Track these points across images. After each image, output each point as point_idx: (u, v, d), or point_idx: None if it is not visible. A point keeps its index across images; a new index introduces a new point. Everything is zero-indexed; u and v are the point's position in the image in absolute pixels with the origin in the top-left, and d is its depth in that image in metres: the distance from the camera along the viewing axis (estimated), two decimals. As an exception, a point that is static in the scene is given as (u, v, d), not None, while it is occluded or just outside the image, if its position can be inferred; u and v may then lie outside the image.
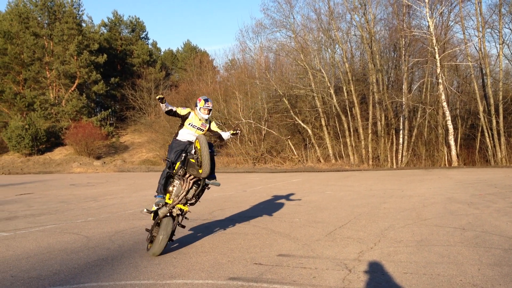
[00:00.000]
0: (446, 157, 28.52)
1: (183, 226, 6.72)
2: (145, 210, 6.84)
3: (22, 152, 41.42)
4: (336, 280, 4.81)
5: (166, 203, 6.43)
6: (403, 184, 16.12)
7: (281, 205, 11.20)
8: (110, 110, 50.68)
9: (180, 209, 6.43)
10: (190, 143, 6.74)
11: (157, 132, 40.24)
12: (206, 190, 6.70)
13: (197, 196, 6.54)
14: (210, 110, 6.83)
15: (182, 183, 6.41)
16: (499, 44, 27.95)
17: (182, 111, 6.88)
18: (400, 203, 10.67)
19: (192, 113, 6.88)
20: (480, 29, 28.05)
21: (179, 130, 6.94)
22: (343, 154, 31.38)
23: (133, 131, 48.86)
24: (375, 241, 6.69)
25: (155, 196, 6.63)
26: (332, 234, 7.26)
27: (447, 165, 27.80)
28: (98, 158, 41.24)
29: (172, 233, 6.40)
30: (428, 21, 26.83)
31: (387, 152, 30.02)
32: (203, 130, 6.92)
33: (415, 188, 14.45)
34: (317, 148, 32.04)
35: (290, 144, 32.96)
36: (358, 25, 31.40)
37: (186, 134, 6.85)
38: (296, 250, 6.26)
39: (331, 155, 31.61)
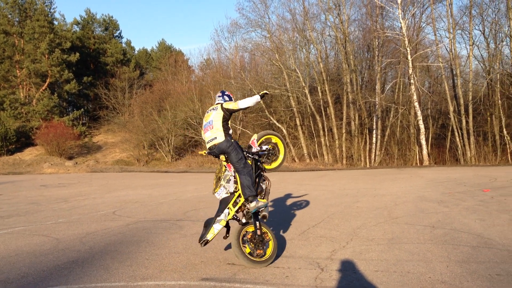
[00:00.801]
0: (417, 156, 29.03)
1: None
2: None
3: (-9, 153, 40.46)
4: (308, 279, 4.83)
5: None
6: (376, 183, 16.32)
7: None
8: (82, 109, 49.93)
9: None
10: None
11: (131, 132, 39.82)
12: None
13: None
14: (221, 98, 6.26)
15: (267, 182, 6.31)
16: (469, 46, 28.64)
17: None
18: (373, 202, 10.81)
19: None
20: (451, 30, 28.65)
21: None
22: (318, 153, 31.62)
23: (106, 131, 48.23)
24: (347, 239, 6.75)
25: (255, 199, 5.66)
26: (306, 233, 7.30)
27: (418, 164, 28.29)
28: (70, 158, 40.55)
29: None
30: (400, 23, 27.27)
31: (361, 152, 30.38)
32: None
33: (388, 187, 14.65)
34: (291, 147, 32.19)
35: (265, 143, 32.98)
36: (333, 25, 31.69)
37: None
38: (269, 250, 6.26)
39: (305, 154, 31.82)
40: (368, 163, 29.84)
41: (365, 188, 14.56)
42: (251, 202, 5.58)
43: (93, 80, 49.12)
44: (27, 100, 44.57)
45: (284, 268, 5.31)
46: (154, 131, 37.97)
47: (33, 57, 43.38)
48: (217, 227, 5.59)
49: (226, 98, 6.19)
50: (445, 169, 23.18)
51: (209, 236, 5.52)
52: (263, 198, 5.90)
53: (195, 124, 36.46)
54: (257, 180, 6.02)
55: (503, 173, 18.25)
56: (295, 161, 31.74)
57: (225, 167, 6.01)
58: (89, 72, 50.83)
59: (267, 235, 5.69)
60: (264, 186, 6.15)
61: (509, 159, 26.63)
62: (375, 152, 29.70)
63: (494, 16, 28.67)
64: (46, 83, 44.56)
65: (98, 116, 48.26)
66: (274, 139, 6.50)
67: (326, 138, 31.29)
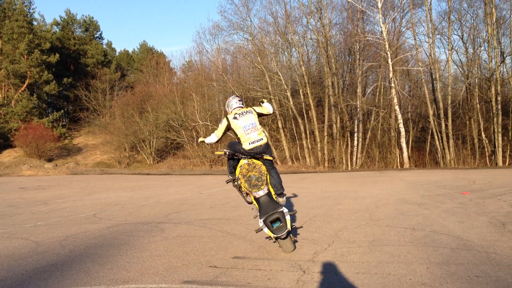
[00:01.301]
0: (398, 159, 29.33)
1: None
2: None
3: (-33, 154, 39.65)
4: (290, 281, 4.85)
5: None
6: (357, 185, 16.45)
7: (238, 207, 11.19)
8: (62, 111, 49.29)
9: None
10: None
11: (112, 134, 39.42)
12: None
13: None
14: (240, 102, 6.74)
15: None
16: (448, 50, 29.05)
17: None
18: (354, 205, 10.89)
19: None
20: (430, 35, 29.06)
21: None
22: (300, 156, 31.74)
23: (87, 132, 47.72)
24: (329, 242, 6.79)
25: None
26: (287, 235, 7.32)
27: (399, 167, 28.58)
28: (50, 160, 39.98)
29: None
30: (381, 27, 27.55)
31: (342, 154, 30.58)
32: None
33: (369, 189, 14.78)
34: (273, 150, 32.25)
35: (247, 146, 33.01)
36: (314, 29, 31.87)
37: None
38: (251, 252, 6.27)
39: (287, 157, 31.91)
40: (349, 166, 30.05)
41: (347, 190, 14.66)
42: (282, 197, 6.45)
43: (73, 81, 48.56)
44: (5, 101, 43.81)
45: (266, 270, 5.32)
46: (135, 133, 37.69)
47: (12, 57, 42.70)
48: (288, 217, 6.06)
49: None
50: (425, 171, 23.47)
51: (289, 226, 6.00)
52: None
53: (177, 126, 36.29)
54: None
55: (481, 175, 18.55)
56: (277, 163, 31.79)
57: (253, 166, 6.30)
58: (69, 73, 50.24)
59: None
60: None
61: (488, 162, 27.10)
62: (357, 155, 29.92)
63: (472, 21, 29.17)
64: (25, 84, 43.88)
65: (79, 118, 47.72)
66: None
67: (308, 140, 31.43)
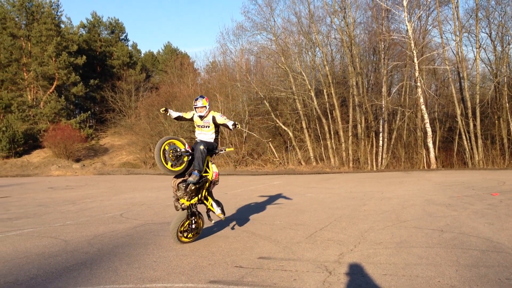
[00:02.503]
0: (424, 160, 28.87)
1: (208, 217, 7.63)
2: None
3: (-1, 155, 40.67)
4: (316, 282, 4.83)
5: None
6: (382, 186, 16.27)
7: (262, 207, 11.20)
8: (89, 112, 50.16)
9: (183, 203, 7.08)
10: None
11: (137, 135, 39.91)
12: (208, 184, 7.41)
13: (189, 191, 6.91)
14: (202, 107, 7.18)
15: (172, 180, 7.14)
16: (476, 48, 28.48)
17: (187, 115, 7.46)
18: (380, 205, 10.77)
19: (195, 115, 7.33)
20: (458, 33, 28.53)
21: (195, 134, 7.54)
22: (324, 156, 31.55)
23: (113, 133, 48.39)
24: (355, 243, 6.74)
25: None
26: (313, 236, 7.29)
27: (425, 168, 28.15)
28: (77, 160, 40.73)
29: (190, 224, 7.20)
30: (406, 25, 27.20)
31: (367, 155, 30.28)
32: (209, 126, 7.34)
33: (395, 190, 14.60)
34: (298, 150, 32.16)
35: (271, 146, 33.04)
36: (338, 28, 31.65)
37: (198, 135, 7.45)
38: (276, 253, 6.27)
39: (312, 157, 31.76)
40: (374, 166, 29.74)
41: (372, 191, 14.52)
42: None
43: (100, 82, 49.34)
44: (34, 103, 44.82)
45: (291, 271, 5.31)
46: (160, 133, 38.03)
47: (40, 60, 43.64)
48: None
49: None
50: (453, 172, 23.08)
51: None
52: None
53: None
54: None
55: (511, 176, 18.14)
56: (301, 164, 31.70)
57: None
58: (96, 75, 51.07)
59: None
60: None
61: (517, 162, 26.45)
62: (382, 155, 29.59)
63: (500, 19, 28.49)
64: (53, 86, 44.81)
65: (105, 119, 48.46)
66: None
67: (332, 141, 31.23)
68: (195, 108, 7.22)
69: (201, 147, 6.97)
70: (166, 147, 6.80)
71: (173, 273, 5.40)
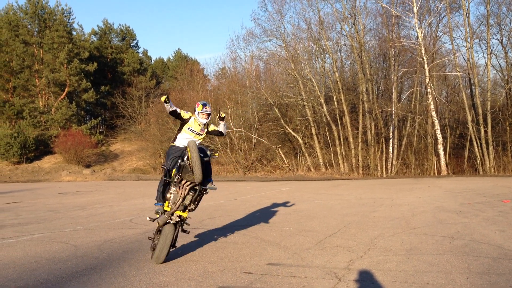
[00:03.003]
0: (435, 166, 28.69)
1: (186, 232, 6.68)
2: (147, 218, 6.82)
3: (10, 160, 41.03)
4: (325, 289, 4.80)
5: (165, 211, 6.43)
6: (392, 193, 16.18)
7: (271, 213, 11.18)
8: (100, 118, 50.59)
9: (180, 216, 6.38)
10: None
11: (147, 141, 40.11)
12: (204, 194, 6.67)
13: (195, 201, 6.51)
14: (208, 114, 6.91)
15: (178, 189, 6.38)
16: (487, 55, 28.33)
17: (185, 114, 6.93)
18: (390, 212, 10.71)
19: (192, 118, 6.94)
20: (468, 39, 28.42)
21: (177, 135, 7.02)
22: (333, 163, 31.47)
23: (123, 139, 48.66)
24: (364, 249, 6.70)
25: (155, 204, 6.68)
26: (322, 243, 7.26)
27: (436, 174, 27.96)
28: (88, 166, 40.99)
29: (174, 240, 6.46)
30: (417, 32, 27.14)
31: (377, 161, 30.16)
32: (202, 134, 7.00)
33: (405, 197, 14.51)
34: (307, 156, 32.11)
35: (281, 153, 33.02)
36: (348, 35, 31.67)
37: (184, 139, 6.85)
38: (286, 259, 6.25)
39: (321, 163, 31.69)
40: (384, 173, 29.60)
41: (382, 197, 14.45)
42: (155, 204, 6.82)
43: (110, 89, 49.70)
44: (46, 109, 45.24)
45: (301, 277, 5.29)
46: (170, 139, 38.15)
47: (52, 66, 44.08)
48: None
49: None
50: (464, 179, 22.89)
51: None
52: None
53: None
54: (168, 187, 6.71)
55: (523, 183, 17.97)
56: (310, 170, 31.64)
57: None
58: (107, 82, 51.46)
59: None
60: (168, 195, 6.64)
61: (529, 169, 26.17)
62: (392, 162, 29.46)
63: (511, 25, 28.37)
64: (65, 92, 45.22)
65: (115, 125, 48.77)
66: (188, 150, 6.48)
67: (342, 147, 31.16)
68: (200, 113, 6.84)
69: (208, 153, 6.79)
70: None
71: (182, 278, 5.40)
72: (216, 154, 7.26)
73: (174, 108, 6.83)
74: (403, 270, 5.46)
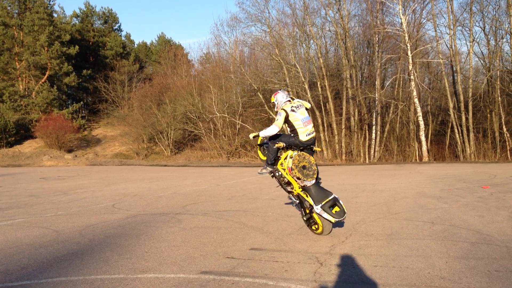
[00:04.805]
0: (417, 153, 29.03)
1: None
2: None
3: (-10, 145, 40.40)
4: (307, 273, 4.84)
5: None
6: (375, 178, 16.34)
7: (255, 199, 11.22)
8: (82, 102, 49.94)
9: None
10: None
11: (130, 126, 39.80)
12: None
13: None
14: (289, 95, 7.05)
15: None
16: (470, 42, 28.59)
17: (282, 119, 6.56)
18: (372, 198, 10.82)
19: (288, 111, 6.61)
20: (452, 27, 28.59)
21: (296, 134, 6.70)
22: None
23: (105, 124, 48.22)
24: (346, 235, 6.77)
25: None
26: (304, 228, 7.30)
27: (418, 160, 28.30)
28: (70, 151, 40.56)
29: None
30: (401, 18, 27.20)
31: (360, 147, 30.40)
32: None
33: (387, 183, 14.67)
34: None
35: (265, 138, 33.00)
36: (333, 20, 31.62)
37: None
38: (268, 244, 6.28)
39: (304, 149, 31.76)
40: (367, 159, 29.86)
41: (364, 183, 14.58)
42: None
43: (93, 73, 49.03)
44: (26, 93, 44.50)
45: (283, 262, 5.32)
46: (153, 124, 37.95)
47: (33, 49, 43.23)
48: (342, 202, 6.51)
49: None
50: (445, 165, 23.21)
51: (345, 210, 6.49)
52: None
53: (195, 118, 36.39)
54: None
55: (502, 170, 18.27)
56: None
57: (303, 156, 6.60)
58: (89, 65, 50.71)
59: None
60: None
61: (509, 156, 26.63)
62: (375, 148, 29.70)
63: (494, 13, 28.60)
64: (46, 76, 44.46)
65: (98, 110, 48.25)
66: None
67: (326, 133, 31.30)
68: (286, 102, 6.77)
69: None
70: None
71: (164, 263, 5.40)
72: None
73: (277, 128, 6.58)
74: (383, 255, 5.54)
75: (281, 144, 6.73)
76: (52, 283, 4.75)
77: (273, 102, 7.01)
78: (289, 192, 6.91)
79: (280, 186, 7.05)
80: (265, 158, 7.11)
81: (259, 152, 7.58)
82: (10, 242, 6.74)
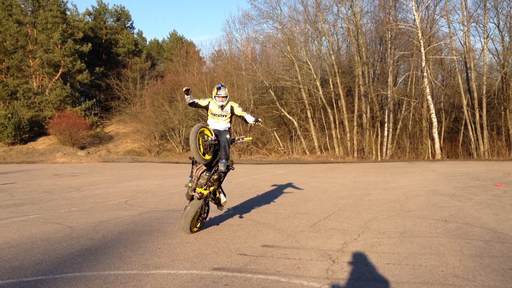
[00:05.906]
0: (430, 150, 28.82)
1: (218, 205, 7.40)
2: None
3: (4, 142, 40.83)
4: (319, 271, 4.84)
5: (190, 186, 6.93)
6: (387, 176, 16.25)
7: (266, 196, 11.22)
8: (94, 100, 50.23)
9: (201, 193, 6.77)
10: (217, 131, 7.17)
11: (142, 123, 39.96)
12: (222, 175, 7.14)
13: (212, 180, 6.79)
14: (224, 97, 7.09)
15: (195, 169, 6.99)
16: (484, 39, 28.25)
17: (202, 102, 7.22)
18: (384, 195, 10.77)
19: (211, 102, 7.21)
20: (465, 23, 28.29)
21: (207, 121, 7.38)
22: (329, 146, 31.52)
23: (118, 121, 48.46)
24: (359, 232, 6.75)
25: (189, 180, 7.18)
26: (317, 225, 7.30)
27: (430, 158, 28.09)
28: (82, 148, 40.88)
29: (201, 214, 7.02)
30: (414, 15, 26.98)
31: (372, 145, 30.23)
32: (226, 115, 7.21)
33: (399, 180, 14.58)
34: (302, 140, 32.13)
35: (276, 135, 33.01)
36: (345, 17, 31.45)
37: (211, 123, 7.28)
38: (280, 241, 6.28)
39: (316, 147, 31.73)
40: (379, 156, 29.70)
41: (376, 181, 14.51)
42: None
43: (105, 70, 49.33)
44: (40, 90, 44.89)
45: (295, 259, 5.32)
46: (165, 122, 38.09)
47: (46, 47, 43.59)
48: None
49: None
50: (458, 163, 23.01)
51: None
52: None
53: (206, 115, 36.37)
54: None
55: (516, 168, 18.08)
56: (305, 153, 31.68)
57: None
58: (101, 63, 51.03)
59: None
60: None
61: (523, 154, 26.32)
62: (387, 145, 29.53)
63: (509, 9, 28.24)
64: (59, 73, 44.81)
65: (110, 107, 48.52)
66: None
67: (337, 130, 31.18)
68: (216, 96, 7.05)
69: (227, 136, 7.00)
70: (199, 136, 6.69)
71: (177, 260, 5.43)
72: (248, 138, 8.14)
73: (192, 99, 7.12)
74: (396, 252, 5.51)
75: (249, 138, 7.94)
76: (67, 278, 4.80)
77: (227, 95, 7.19)
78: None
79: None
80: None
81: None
82: (25, 238, 6.81)
